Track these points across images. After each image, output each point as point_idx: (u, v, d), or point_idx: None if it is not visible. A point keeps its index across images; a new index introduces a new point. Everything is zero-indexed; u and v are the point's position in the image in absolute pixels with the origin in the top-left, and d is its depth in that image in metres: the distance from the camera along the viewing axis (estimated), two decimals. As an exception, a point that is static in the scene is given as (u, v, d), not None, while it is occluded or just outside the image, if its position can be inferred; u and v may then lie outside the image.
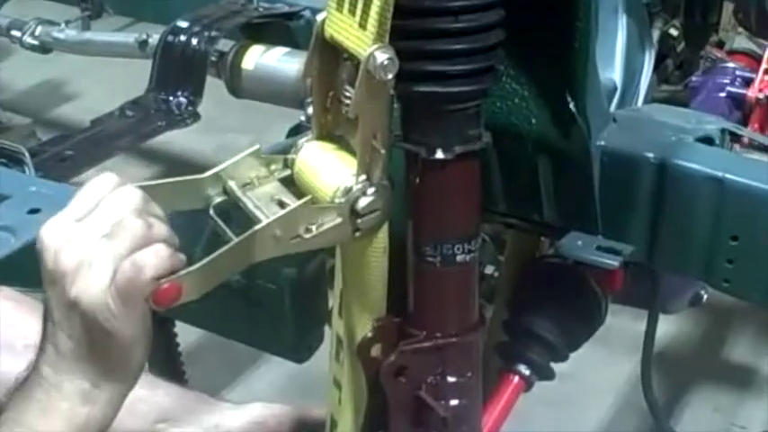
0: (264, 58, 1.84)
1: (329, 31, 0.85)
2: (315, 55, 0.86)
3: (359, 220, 0.85)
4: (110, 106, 1.99)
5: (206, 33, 1.89)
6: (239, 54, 1.86)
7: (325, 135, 0.91)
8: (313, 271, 1.19)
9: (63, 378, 0.81)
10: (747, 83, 1.60)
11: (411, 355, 0.94)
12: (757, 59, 1.70)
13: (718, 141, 1.06)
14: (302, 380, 1.65)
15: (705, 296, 1.34)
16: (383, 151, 0.84)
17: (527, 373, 1.13)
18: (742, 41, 1.81)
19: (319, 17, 0.85)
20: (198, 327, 1.37)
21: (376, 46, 0.79)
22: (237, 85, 1.87)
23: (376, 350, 0.94)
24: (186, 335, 1.52)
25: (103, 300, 0.77)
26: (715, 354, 2.18)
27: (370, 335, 0.95)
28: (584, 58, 0.92)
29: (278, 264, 1.20)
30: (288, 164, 0.91)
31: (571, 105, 0.94)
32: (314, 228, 0.83)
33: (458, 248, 0.91)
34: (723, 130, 1.06)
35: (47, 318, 0.82)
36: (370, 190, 0.85)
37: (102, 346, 0.80)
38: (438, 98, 0.85)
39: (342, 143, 0.90)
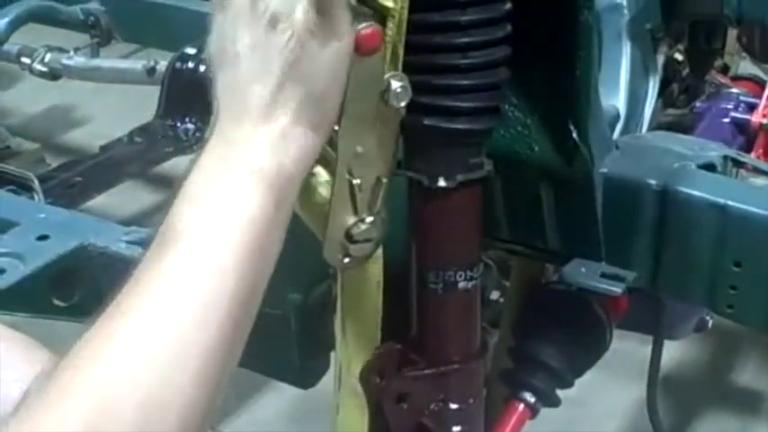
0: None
1: None
2: None
3: (351, 246, 0.85)
4: (118, 132, 2.00)
5: (213, 60, 1.91)
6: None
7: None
8: (319, 296, 1.19)
9: (242, 141, 0.74)
10: (751, 108, 1.61)
11: (413, 382, 0.94)
12: (761, 85, 1.71)
13: (720, 168, 1.06)
14: (308, 406, 1.65)
15: (710, 321, 1.34)
16: (385, 180, 0.85)
17: (532, 400, 1.13)
18: (747, 67, 1.81)
19: None
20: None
21: (391, 74, 0.80)
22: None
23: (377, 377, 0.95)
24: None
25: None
26: (721, 379, 2.17)
27: (372, 361, 0.95)
28: (586, 86, 0.93)
29: (284, 289, 1.21)
30: None
31: (574, 133, 0.95)
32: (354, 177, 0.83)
33: (460, 275, 0.91)
34: (725, 157, 1.07)
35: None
36: (368, 219, 0.85)
37: (298, 80, 0.75)
38: (443, 132, 0.86)
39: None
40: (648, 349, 1.33)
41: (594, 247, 1.01)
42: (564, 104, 0.94)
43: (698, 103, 1.61)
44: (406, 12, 0.80)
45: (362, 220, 0.85)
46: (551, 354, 1.12)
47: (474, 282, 0.92)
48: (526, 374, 1.13)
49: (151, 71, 2.03)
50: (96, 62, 2.23)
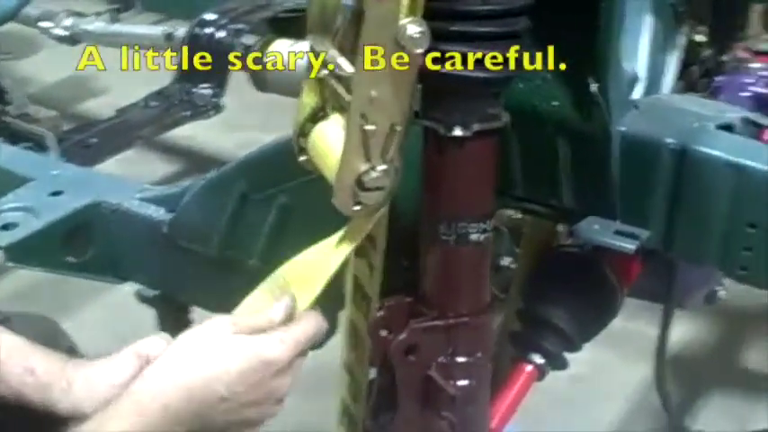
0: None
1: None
2: (350, 28, 0.87)
3: (362, 194, 0.85)
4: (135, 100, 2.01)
5: (232, 27, 1.90)
6: (265, 48, 1.86)
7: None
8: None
9: None
10: (772, 83, 1.59)
11: (421, 334, 0.94)
12: (784, 60, 1.69)
13: (739, 130, 1.04)
14: (315, 367, 1.64)
15: (721, 293, 1.33)
16: (399, 128, 0.84)
17: (540, 361, 1.13)
18: (768, 48, 1.79)
19: None
20: (213, 312, 1.37)
21: (409, 19, 0.79)
22: (262, 80, 1.88)
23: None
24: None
25: None
26: (728, 357, 2.17)
27: (380, 314, 0.95)
28: (608, 38, 0.92)
29: (295, 252, 1.20)
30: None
31: (593, 87, 0.94)
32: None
33: (472, 227, 0.91)
34: (744, 119, 1.05)
35: None
36: (381, 167, 0.84)
37: None
38: (462, 81, 0.85)
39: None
40: (656, 328, 1.32)
41: (609, 205, 1.00)
42: (584, 57, 0.93)
43: (717, 78, 1.59)
44: (425, -44, 0.79)
45: (374, 168, 0.84)
46: (560, 316, 1.11)
47: (486, 234, 0.91)
48: (534, 335, 1.12)
49: (169, 37, 2.03)
50: (115, 27, 2.23)
